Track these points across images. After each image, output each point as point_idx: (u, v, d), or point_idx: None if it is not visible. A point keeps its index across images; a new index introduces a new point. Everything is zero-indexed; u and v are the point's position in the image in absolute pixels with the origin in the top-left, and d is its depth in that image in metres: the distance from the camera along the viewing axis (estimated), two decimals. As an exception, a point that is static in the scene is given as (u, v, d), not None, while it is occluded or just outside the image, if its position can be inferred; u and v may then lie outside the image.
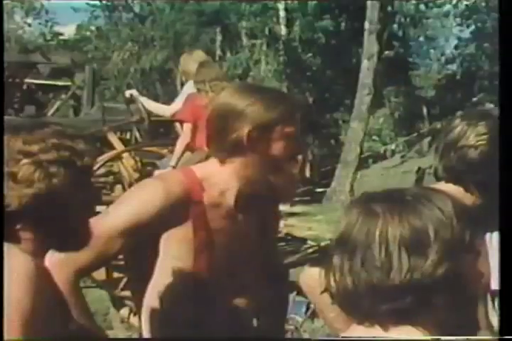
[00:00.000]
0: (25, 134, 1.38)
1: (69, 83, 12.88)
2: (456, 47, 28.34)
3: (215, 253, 2.04)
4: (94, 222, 1.52)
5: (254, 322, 2.20)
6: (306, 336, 4.49)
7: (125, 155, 4.60)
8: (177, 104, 5.36)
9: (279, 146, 2.01)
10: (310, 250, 4.70)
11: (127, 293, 3.08)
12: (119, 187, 4.47)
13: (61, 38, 23.41)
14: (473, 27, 20.59)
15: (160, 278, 2.04)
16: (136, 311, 2.19)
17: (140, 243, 2.01)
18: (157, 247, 2.02)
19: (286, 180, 2.05)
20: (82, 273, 1.95)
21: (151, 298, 2.06)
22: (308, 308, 4.67)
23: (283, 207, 4.21)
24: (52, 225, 1.41)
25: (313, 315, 4.50)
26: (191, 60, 5.31)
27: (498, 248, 1.12)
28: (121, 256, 2.15)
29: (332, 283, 1.21)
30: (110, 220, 1.92)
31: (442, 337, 1.12)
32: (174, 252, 2.01)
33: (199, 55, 5.47)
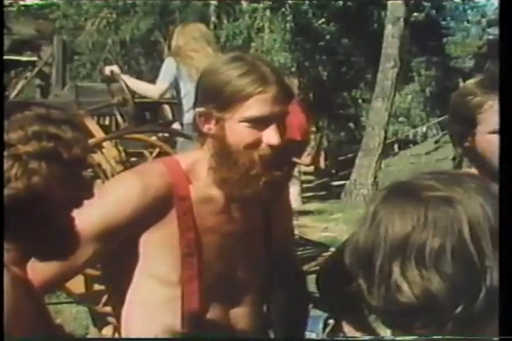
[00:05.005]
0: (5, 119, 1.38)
1: (34, 58, 12.85)
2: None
3: (208, 258, 2.07)
4: None
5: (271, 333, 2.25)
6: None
7: (106, 144, 4.59)
8: (164, 83, 5.38)
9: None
10: (327, 256, 4.72)
11: (110, 309, 3.10)
12: (99, 182, 4.48)
13: (22, 3, 23.42)
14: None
15: (140, 287, 2.08)
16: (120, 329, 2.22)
17: (117, 248, 2.04)
18: (137, 252, 2.06)
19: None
20: (46, 286, 1.94)
21: (131, 311, 2.11)
22: (326, 324, 4.71)
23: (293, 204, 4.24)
24: (35, 231, 1.44)
25: (332, 332, 4.54)
26: (189, 35, 5.32)
27: (498, 247, 1.22)
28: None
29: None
30: (79, 223, 1.83)
31: (442, 338, 1.20)
32: (156, 257, 2.05)
33: (198, 28, 5.50)
